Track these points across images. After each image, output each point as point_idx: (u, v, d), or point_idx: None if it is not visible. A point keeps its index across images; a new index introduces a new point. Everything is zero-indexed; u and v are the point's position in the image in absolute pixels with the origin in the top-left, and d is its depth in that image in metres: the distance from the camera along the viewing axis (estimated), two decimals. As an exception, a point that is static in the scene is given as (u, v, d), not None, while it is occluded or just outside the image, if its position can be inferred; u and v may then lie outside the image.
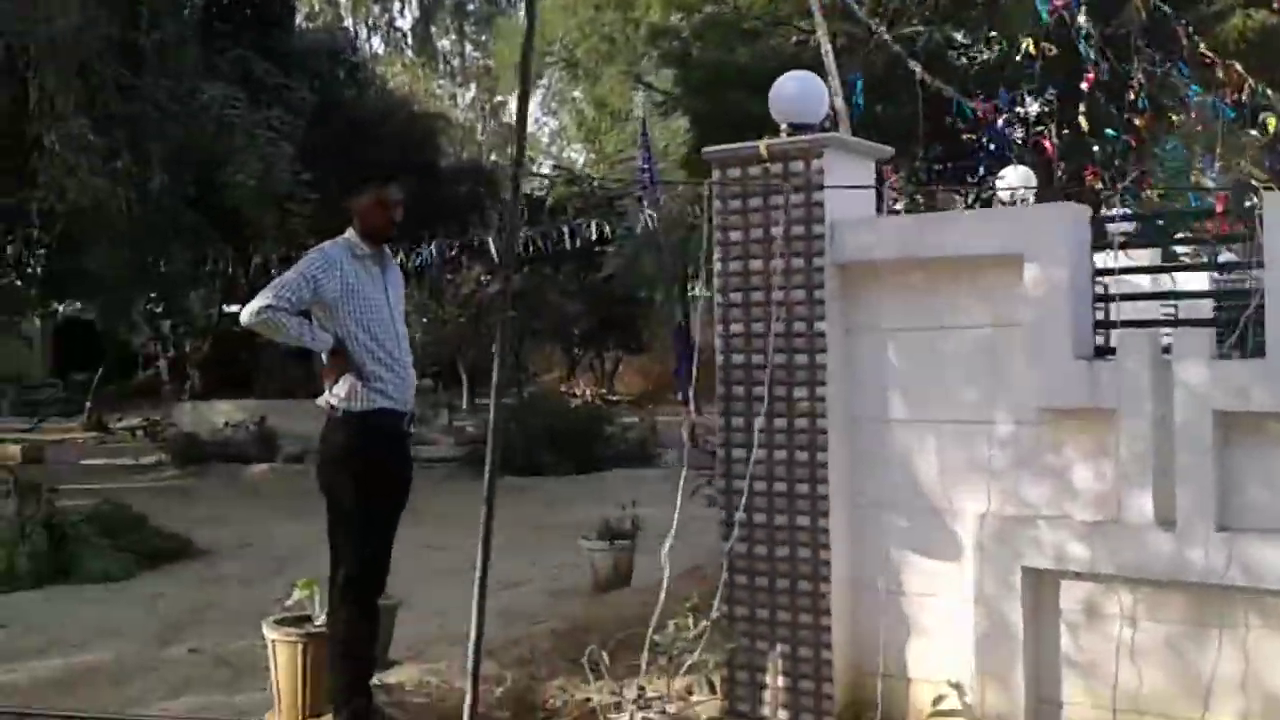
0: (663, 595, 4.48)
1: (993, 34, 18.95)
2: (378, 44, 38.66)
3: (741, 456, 4.68)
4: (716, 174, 4.75)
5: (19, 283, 14.84)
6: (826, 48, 11.46)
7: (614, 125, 34.88)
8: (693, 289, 28.00)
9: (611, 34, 31.63)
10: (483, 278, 26.03)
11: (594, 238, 21.52)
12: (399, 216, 4.51)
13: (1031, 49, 6.90)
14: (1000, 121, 7.76)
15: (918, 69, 10.26)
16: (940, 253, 4.31)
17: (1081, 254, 4.10)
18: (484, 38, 42.01)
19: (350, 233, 4.50)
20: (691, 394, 17.64)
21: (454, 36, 43.40)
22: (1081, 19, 7.07)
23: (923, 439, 4.42)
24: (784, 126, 4.72)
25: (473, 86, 42.77)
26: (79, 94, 10.20)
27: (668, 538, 4.58)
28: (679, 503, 4.58)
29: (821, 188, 4.48)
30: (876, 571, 4.52)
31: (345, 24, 34.00)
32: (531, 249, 19.56)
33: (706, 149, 4.81)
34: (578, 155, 39.69)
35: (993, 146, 8.00)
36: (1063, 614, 4.16)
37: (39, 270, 14.06)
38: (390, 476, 4.43)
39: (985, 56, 20.36)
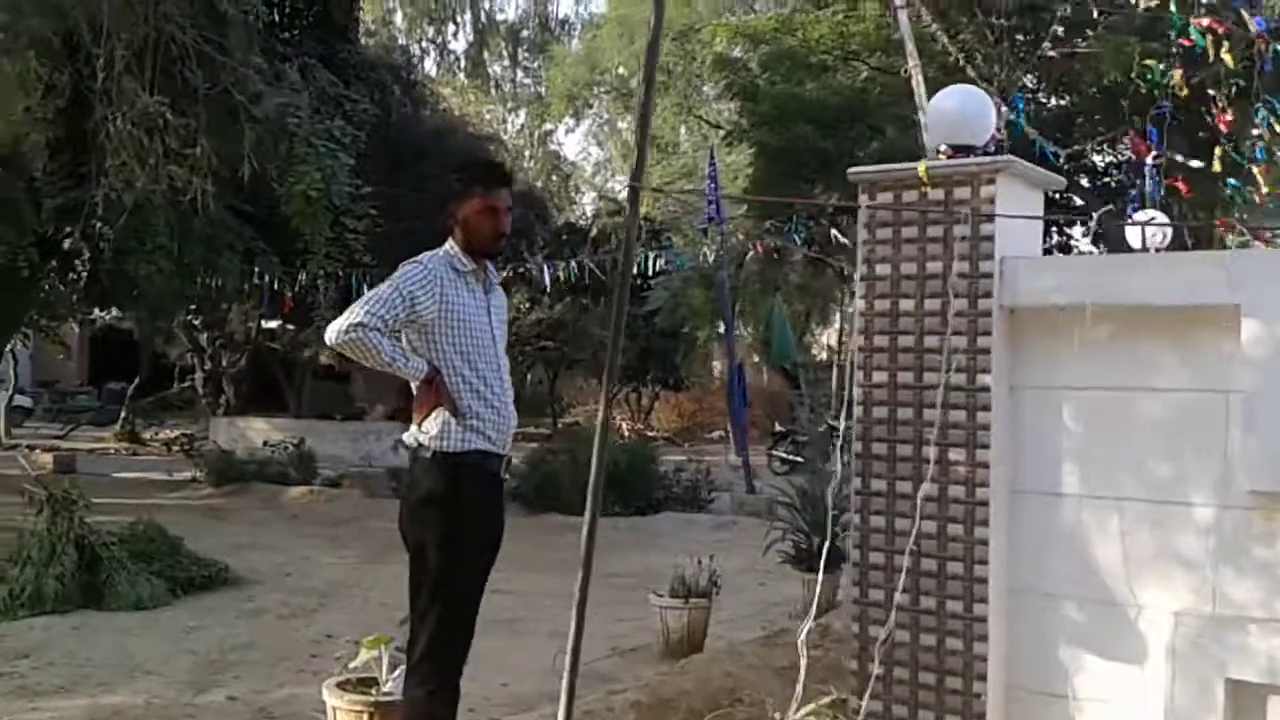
0: (800, 686, 3.83)
1: (1064, 79, 18.37)
2: (430, 66, 38.44)
3: (880, 525, 4.05)
4: (864, 198, 4.15)
5: (63, 287, 14.41)
6: (918, 79, 10.91)
7: (663, 158, 34.47)
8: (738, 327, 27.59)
9: (667, 64, 31.32)
10: (523, 305, 25.69)
11: (647, 270, 21.11)
12: (508, 227, 3.94)
13: (1179, 83, 6.26)
14: (1150, 161, 7.11)
15: (1014, 116, 9.69)
16: (1136, 300, 3.68)
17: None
18: (536, 64, 41.86)
19: (450, 244, 3.93)
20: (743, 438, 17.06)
21: (506, 62, 43.26)
22: (1225, 55, 6.45)
23: (1102, 519, 3.78)
24: (942, 149, 4.12)
25: (522, 113, 42.57)
26: (152, 73, 9.70)
27: (806, 620, 3.95)
28: (818, 586, 3.95)
29: (992, 218, 3.87)
30: (1041, 672, 3.87)
31: (401, 43, 33.81)
32: (575, 278, 19.10)
33: (854, 170, 4.22)
34: (621, 186, 39.38)
35: (1146, 184, 7.36)
36: (1272, 736, 3.50)
37: (84, 275, 13.62)
38: (483, 530, 3.84)
39: (1057, 101, 19.76)
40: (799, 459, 24.04)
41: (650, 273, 20.96)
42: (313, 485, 15.84)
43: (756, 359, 30.38)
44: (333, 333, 3.63)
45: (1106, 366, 3.78)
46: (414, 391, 3.83)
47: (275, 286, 16.90)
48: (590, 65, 33.57)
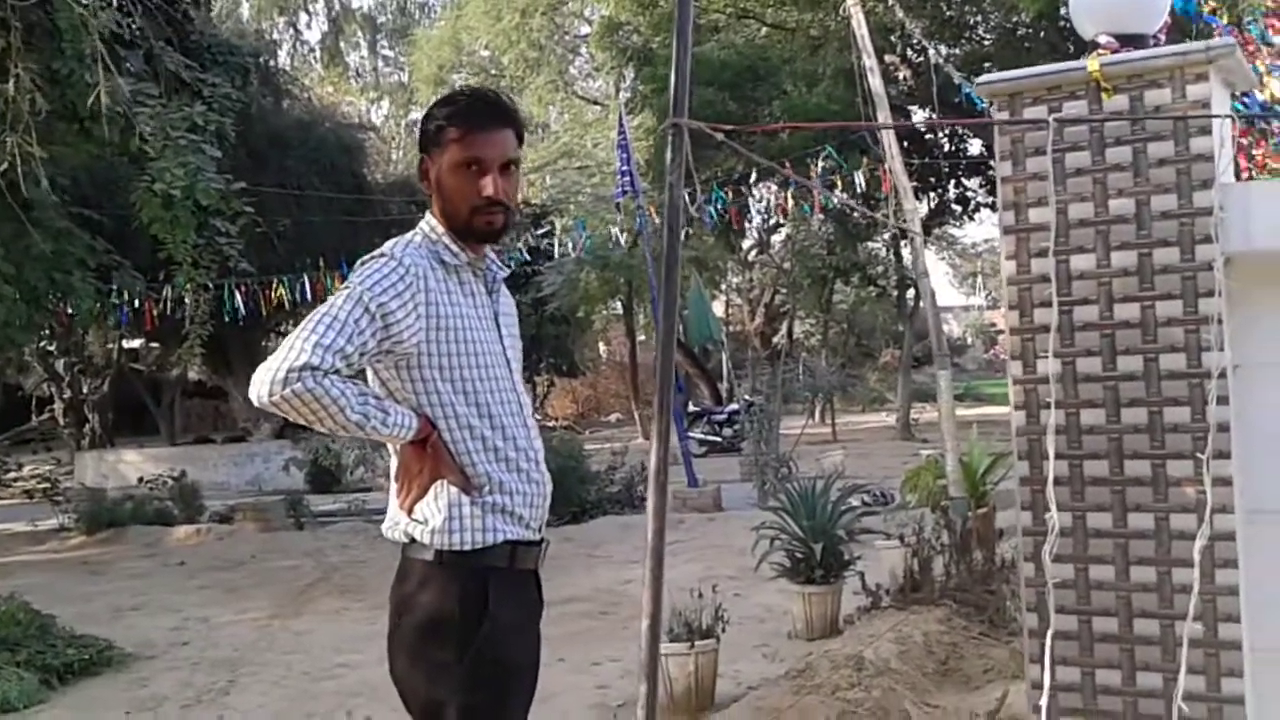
0: None
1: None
2: (284, 58, 36.27)
3: (1069, 577, 2.87)
4: (1001, 114, 2.94)
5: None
6: (859, 18, 9.82)
7: (540, 139, 33.13)
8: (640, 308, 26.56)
9: (539, 40, 29.89)
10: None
11: (525, 257, 19.96)
12: (505, 191, 2.56)
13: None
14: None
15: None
16: None
17: None
18: (397, 51, 39.99)
19: (429, 223, 2.56)
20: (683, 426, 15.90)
21: (365, 51, 41.26)
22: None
23: (1396, 542, 2.67)
24: (1103, 39, 2.94)
25: (386, 102, 40.66)
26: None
27: None
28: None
29: (1208, 130, 2.70)
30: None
31: (255, 28, 31.69)
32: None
33: (983, 79, 3.01)
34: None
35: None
36: None
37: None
38: (525, 662, 2.52)
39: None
40: (717, 439, 23.13)
41: (529, 258, 19.97)
42: (200, 523, 14.10)
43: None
44: (265, 386, 2.21)
45: (1390, 327, 2.66)
46: (395, 458, 2.47)
47: (136, 304, 15.09)
48: (456, 46, 31.92)
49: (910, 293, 22.14)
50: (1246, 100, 5.32)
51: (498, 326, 2.57)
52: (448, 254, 2.50)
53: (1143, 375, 2.78)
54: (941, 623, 6.11)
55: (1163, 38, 3.15)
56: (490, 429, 2.44)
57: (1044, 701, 2.68)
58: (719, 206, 14.69)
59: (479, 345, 2.47)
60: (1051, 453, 2.74)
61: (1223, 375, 2.69)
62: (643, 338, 28.95)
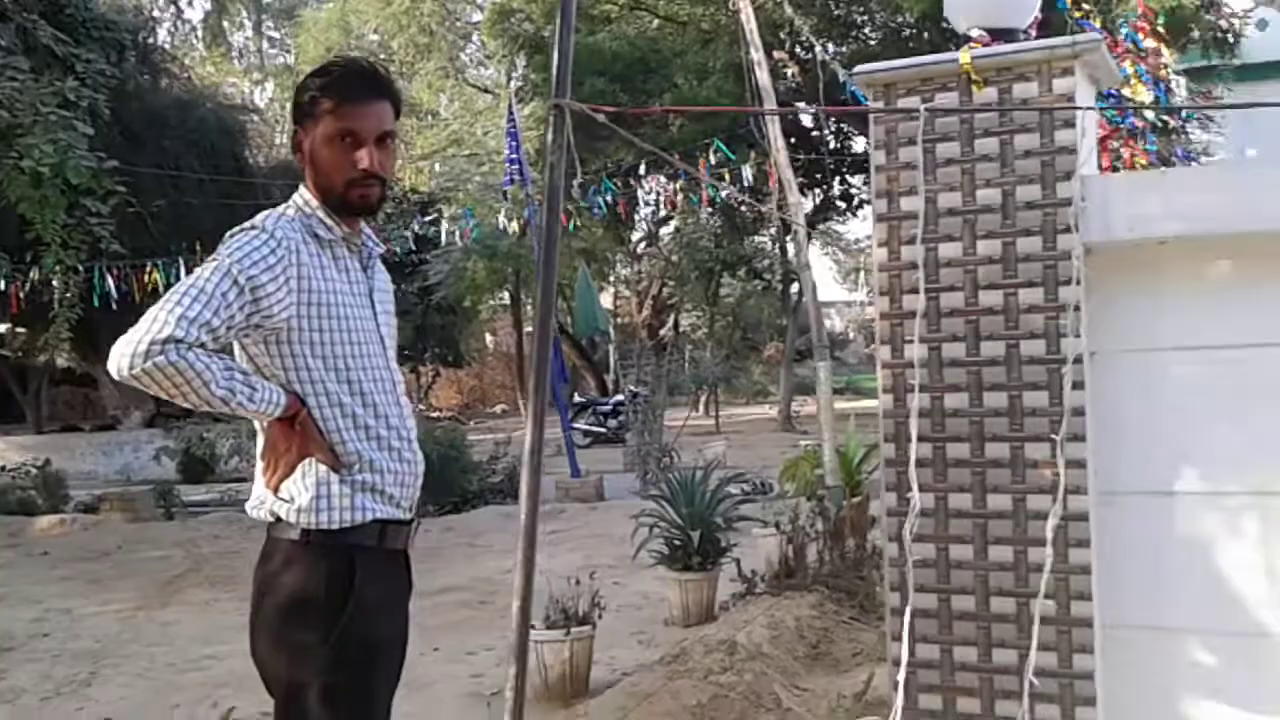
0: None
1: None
2: (163, 36, 35.14)
3: (929, 556, 2.93)
4: (876, 104, 3.00)
5: None
6: (749, 14, 9.90)
7: (429, 125, 32.68)
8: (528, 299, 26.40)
9: (431, 26, 29.48)
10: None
11: (412, 245, 19.75)
12: (381, 164, 2.51)
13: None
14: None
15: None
16: (1271, 225, 2.67)
17: None
18: (283, 32, 39.05)
19: (302, 195, 2.50)
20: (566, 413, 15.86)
21: (250, 32, 40.20)
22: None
23: (1235, 522, 2.79)
24: (975, 33, 3.01)
25: (270, 84, 39.67)
26: None
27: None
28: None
29: (1072, 124, 2.79)
30: (1166, 735, 2.86)
31: (133, 2, 30.60)
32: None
33: (860, 69, 3.06)
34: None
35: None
36: None
37: None
38: (394, 641, 2.48)
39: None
40: (602, 430, 23.15)
41: (415, 247, 19.77)
42: (65, 513, 13.59)
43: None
44: (126, 358, 2.12)
45: (1234, 316, 2.77)
46: (261, 436, 2.41)
47: (2, 286, 14.48)
48: (344, 29, 31.27)
49: (794, 287, 22.46)
50: (1114, 99, 5.52)
51: (372, 303, 2.53)
52: (321, 228, 2.45)
53: (1004, 360, 2.85)
54: (814, 608, 6.22)
55: (1033, 33, 3.24)
56: (361, 407, 2.40)
57: (901, 676, 2.74)
58: (608, 197, 14.69)
59: (352, 321, 2.42)
60: (914, 434, 2.80)
61: (1079, 361, 2.78)
62: (529, 329, 28.82)
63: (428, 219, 21.03)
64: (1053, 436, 2.72)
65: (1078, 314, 2.77)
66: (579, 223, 16.43)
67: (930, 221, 2.91)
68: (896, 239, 2.96)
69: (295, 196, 2.49)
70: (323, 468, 2.33)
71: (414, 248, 20.32)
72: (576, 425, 20.90)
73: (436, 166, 29.93)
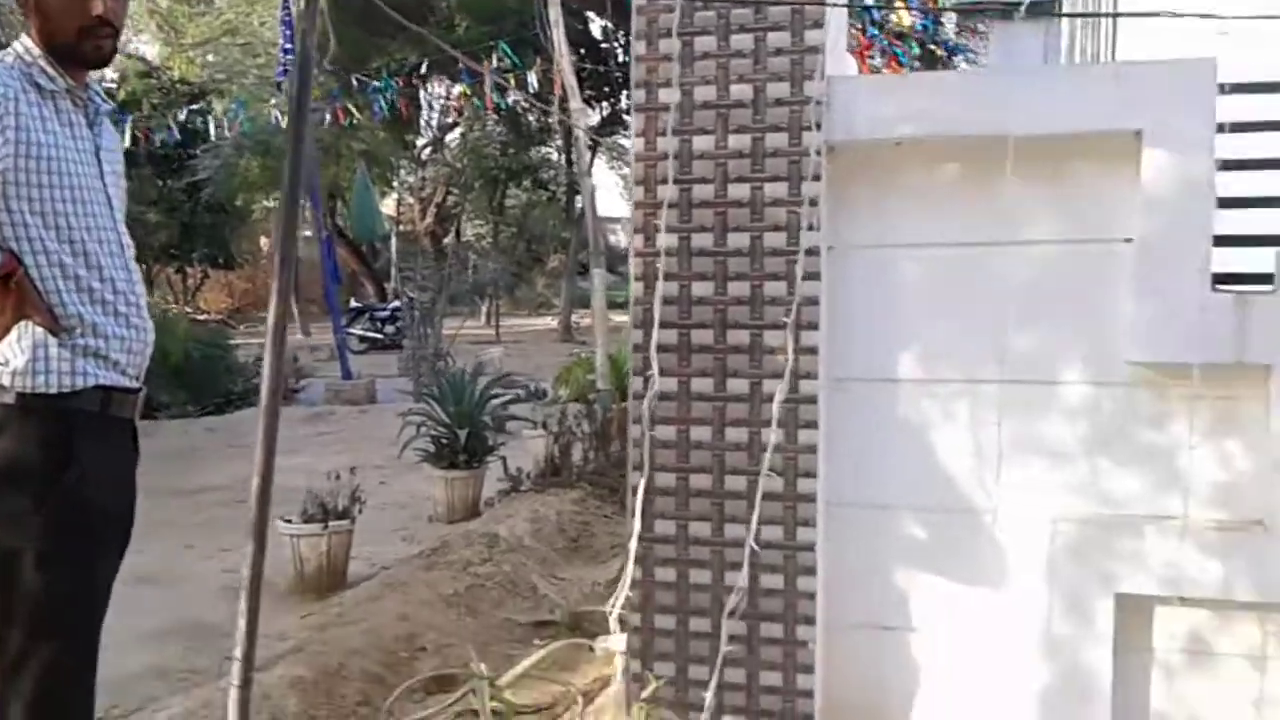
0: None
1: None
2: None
3: (670, 437, 3.06)
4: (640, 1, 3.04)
5: None
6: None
7: (201, 13, 30.79)
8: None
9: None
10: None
11: (177, 138, 18.76)
12: (117, 15, 2.39)
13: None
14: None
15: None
16: (998, 129, 2.87)
17: (1212, 134, 2.80)
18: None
19: (23, 43, 2.35)
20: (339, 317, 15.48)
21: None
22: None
23: (949, 408, 3.02)
24: (733, -67, 3.08)
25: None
26: None
27: (620, 590, 2.92)
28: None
29: (821, 24, 2.90)
30: (875, 603, 3.10)
31: None
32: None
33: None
34: (147, 47, 35.03)
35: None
36: (1155, 654, 2.95)
37: None
38: (113, 511, 2.41)
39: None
40: (378, 336, 22.73)
41: (181, 139, 18.77)
42: None
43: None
44: None
45: (957, 217, 2.98)
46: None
47: None
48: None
49: (579, 200, 22.49)
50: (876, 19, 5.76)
51: (99, 161, 2.41)
52: (43, 77, 2.32)
53: (749, 251, 2.98)
54: (576, 504, 6.39)
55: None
56: (85, 268, 2.30)
57: (632, 544, 2.88)
58: (389, 96, 14.29)
59: (75, 179, 2.31)
60: (658, 319, 2.91)
61: (814, 253, 2.93)
62: (308, 233, 27.89)
63: (194, 107, 19.98)
64: (784, 320, 2.86)
65: (815, 209, 2.91)
66: (357, 119, 15.91)
67: (685, 114, 2.99)
68: (654, 130, 3.03)
69: (15, 44, 2.34)
70: (40, 330, 2.23)
71: (180, 140, 19.22)
72: (352, 330, 20.48)
73: (210, 57, 28.30)
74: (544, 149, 26.07)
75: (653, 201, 3.04)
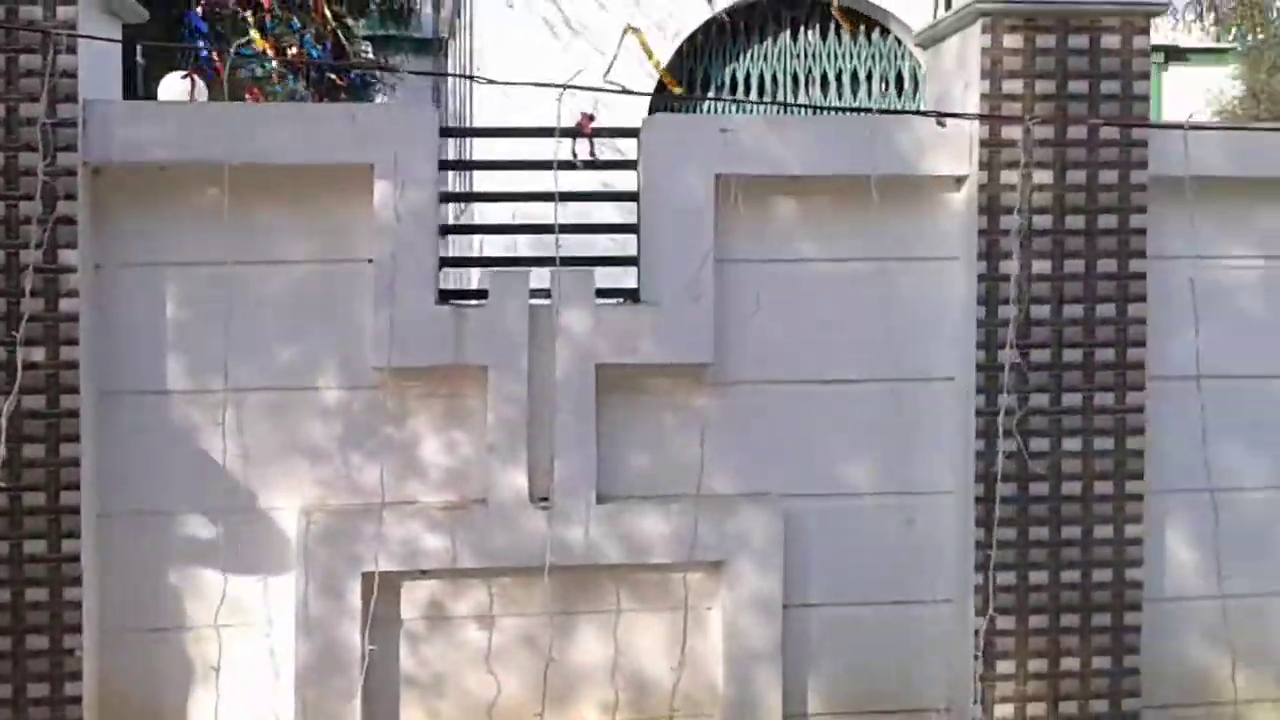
0: None
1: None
2: None
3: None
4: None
5: None
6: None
7: None
8: None
9: None
10: None
11: None
12: None
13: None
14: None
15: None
16: (251, 159, 3.16)
17: (435, 171, 3.30)
18: None
19: None
20: None
21: None
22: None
23: (217, 416, 3.22)
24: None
25: None
26: None
27: None
28: None
29: (74, 49, 3.04)
30: (147, 606, 3.26)
31: None
32: None
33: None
34: None
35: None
36: (404, 624, 3.36)
37: None
38: None
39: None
40: None
41: None
42: None
43: None
44: None
45: (221, 236, 3.21)
46: None
47: None
48: None
49: None
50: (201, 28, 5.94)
51: None
52: None
53: (4, 268, 3.02)
54: None
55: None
56: None
57: None
58: None
59: None
60: None
61: (72, 270, 3.04)
62: None
63: None
64: (13, 334, 2.92)
65: (72, 227, 3.03)
66: None
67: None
68: None
69: None
70: None
71: None
72: None
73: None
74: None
75: None
